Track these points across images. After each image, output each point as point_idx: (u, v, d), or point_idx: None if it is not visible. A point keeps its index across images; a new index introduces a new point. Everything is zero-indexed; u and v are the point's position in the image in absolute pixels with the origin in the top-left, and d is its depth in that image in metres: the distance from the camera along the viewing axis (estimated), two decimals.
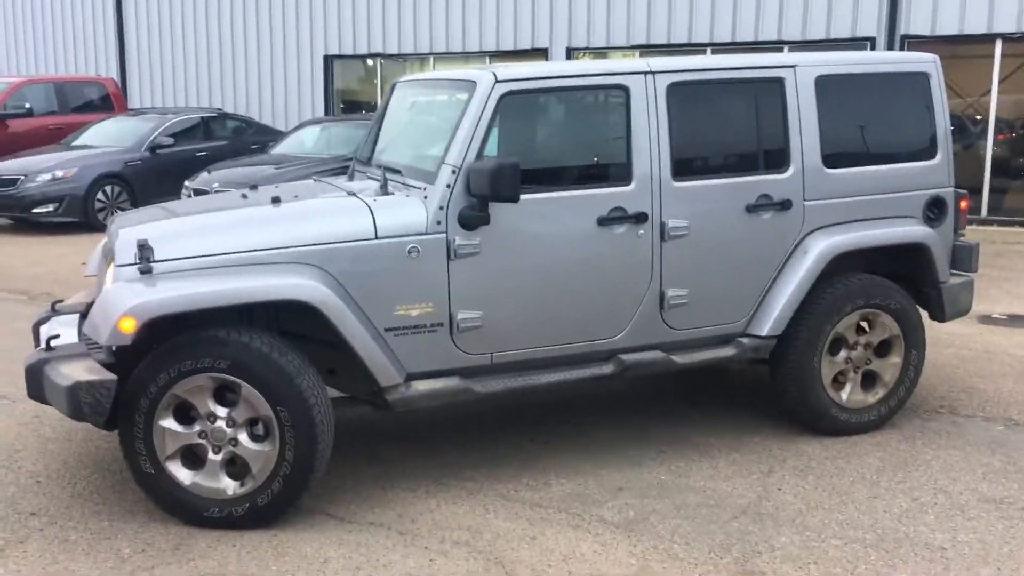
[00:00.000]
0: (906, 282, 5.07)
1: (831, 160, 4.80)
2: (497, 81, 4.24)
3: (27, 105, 15.20)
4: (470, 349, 4.26)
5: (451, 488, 4.37)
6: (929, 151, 5.07)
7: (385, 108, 5.38)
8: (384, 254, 4.09)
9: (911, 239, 4.95)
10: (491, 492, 4.33)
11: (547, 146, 4.72)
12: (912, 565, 3.67)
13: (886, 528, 3.96)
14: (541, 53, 15.10)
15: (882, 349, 4.97)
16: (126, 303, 3.67)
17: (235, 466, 3.96)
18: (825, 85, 4.79)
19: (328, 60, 17.24)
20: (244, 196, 4.79)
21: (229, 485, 3.94)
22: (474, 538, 3.89)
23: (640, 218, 4.44)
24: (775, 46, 13.22)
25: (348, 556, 3.75)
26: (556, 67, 4.58)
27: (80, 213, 12.43)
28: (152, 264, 3.87)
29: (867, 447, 4.80)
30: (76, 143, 13.82)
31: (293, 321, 4.15)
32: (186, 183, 11.47)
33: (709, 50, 13.71)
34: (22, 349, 4.95)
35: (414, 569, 3.65)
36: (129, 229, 4.09)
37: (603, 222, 4.38)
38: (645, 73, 4.47)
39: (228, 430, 3.90)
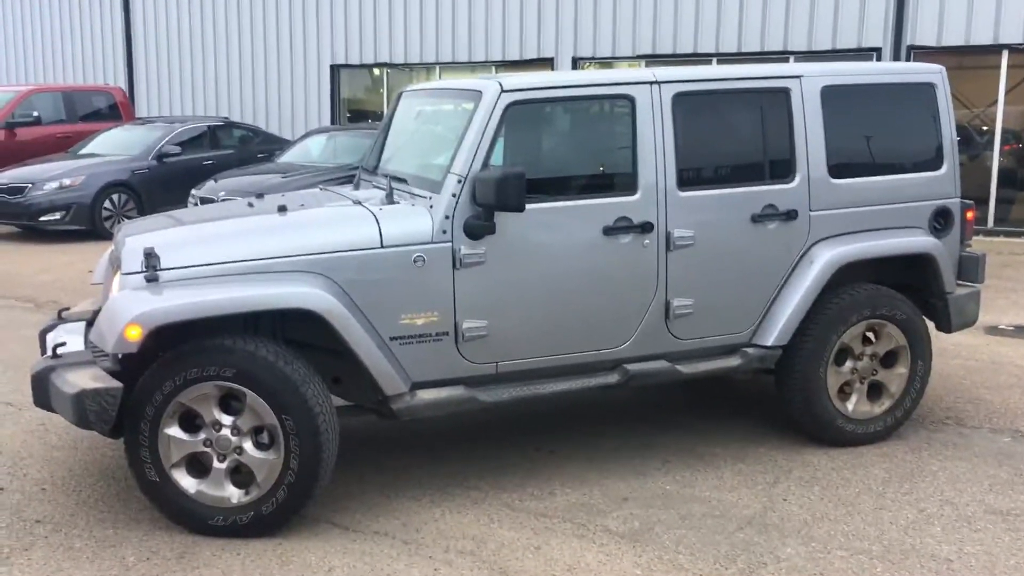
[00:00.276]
0: (912, 293, 5.06)
1: (837, 170, 4.79)
2: (503, 91, 4.25)
3: (35, 113, 15.26)
4: (475, 358, 4.26)
5: (456, 497, 4.36)
6: (935, 162, 5.06)
7: (391, 117, 5.40)
8: (390, 263, 4.09)
9: (917, 249, 4.94)
10: (496, 501, 4.32)
11: (553, 156, 4.73)
12: None
13: (892, 540, 3.94)
14: (547, 63, 15.13)
15: (888, 360, 4.95)
16: (132, 311, 3.68)
17: (240, 474, 3.96)
18: (831, 95, 4.79)
19: (334, 69, 17.30)
20: (250, 205, 4.81)
21: (234, 493, 3.94)
22: (479, 548, 3.89)
23: (645, 228, 4.44)
24: (781, 56, 13.22)
25: (352, 565, 3.75)
26: (562, 77, 4.59)
27: (87, 221, 12.47)
28: (158, 272, 3.88)
29: (873, 458, 4.78)
30: (83, 151, 13.87)
31: (298, 329, 4.15)
32: (193, 191, 11.50)
33: (715, 60, 13.73)
34: (28, 357, 4.97)
35: None
36: (136, 237, 4.10)
37: (608, 232, 4.38)
38: (651, 83, 4.48)
39: (233, 438, 3.90)
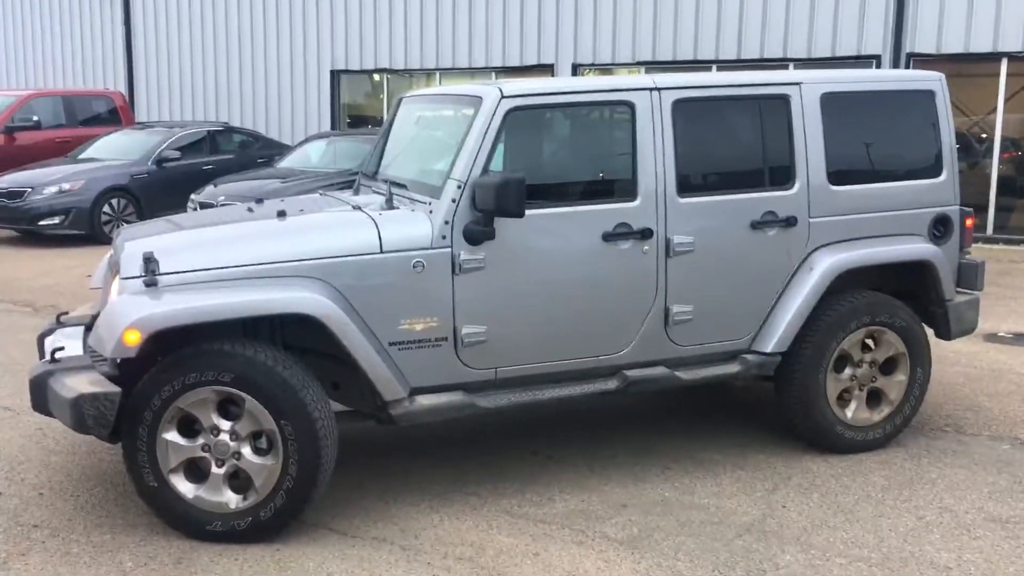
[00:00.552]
0: (911, 300, 5.06)
1: (836, 177, 4.80)
2: (503, 96, 4.25)
3: (35, 118, 15.28)
4: (474, 364, 4.26)
5: (454, 503, 4.36)
6: (935, 169, 5.07)
7: (391, 123, 5.40)
8: (389, 268, 4.09)
9: (917, 257, 4.94)
10: (495, 507, 4.31)
11: (553, 162, 4.73)
12: None
13: (891, 547, 3.94)
14: (547, 69, 15.15)
15: (887, 367, 4.95)
16: (131, 315, 3.67)
17: (238, 480, 3.95)
18: (830, 102, 4.79)
19: (335, 75, 17.32)
20: (250, 210, 4.80)
21: (232, 499, 3.93)
22: (477, 554, 3.88)
23: (645, 234, 4.44)
24: (780, 63, 13.24)
25: (351, 571, 3.74)
26: (562, 83, 4.59)
27: (86, 226, 12.47)
28: (157, 277, 3.88)
29: (872, 465, 4.78)
30: (83, 156, 13.88)
31: (298, 334, 4.15)
32: (192, 196, 11.51)
33: (714, 67, 13.74)
34: (27, 361, 4.96)
35: None
36: (135, 242, 4.10)
37: (608, 238, 4.38)
38: (651, 89, 4.48)
39: (231, 443, 3.90)
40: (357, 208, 4.41)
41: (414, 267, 4.11)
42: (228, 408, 3.90)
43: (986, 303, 6.13)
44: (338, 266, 4.04)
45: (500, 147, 4.28)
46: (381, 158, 5.27)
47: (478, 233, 4.14)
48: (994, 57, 12.24)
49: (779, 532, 4.07)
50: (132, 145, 13.76)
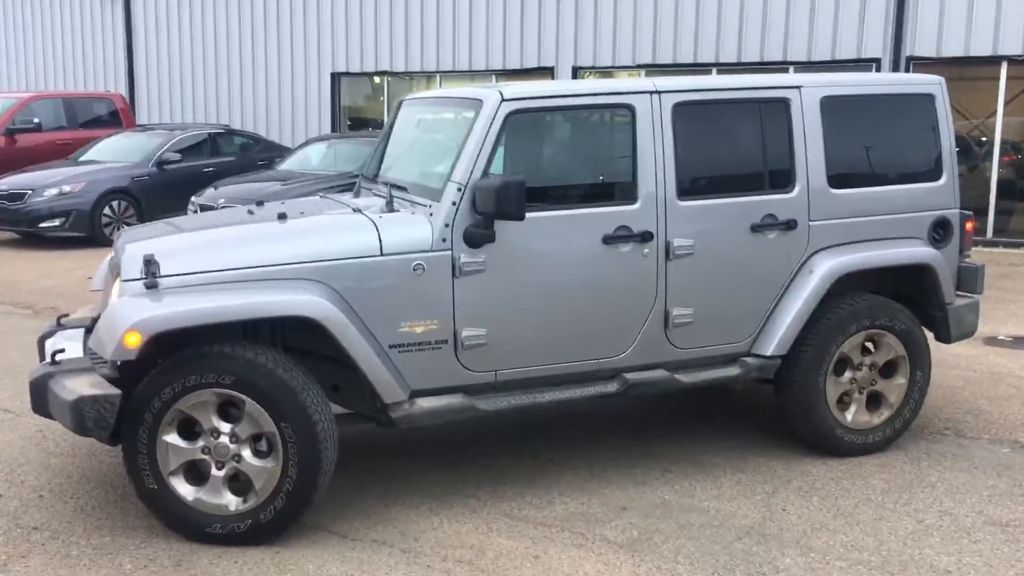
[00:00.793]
0: (911, 303, 5.07)
1: (836, 180, 4.80)
2: (503, 99, 4.26)
3: (36, 120, 15.28)
4: (474, 367, 4.26)
5: (454, 506, 4.36)
6: (935, 172, 5.07)
7: (391, 125, 5.41)
8: (389, 271, 4.10)
9: (917, 260, 4.94)
10: (495, 510, 4.31)
11: (553, 164, 4.74)
12: None
13: (891, 550, 3.94)
14: (547, 72, 15.16)
15: (887, 370, 4.95)
16: (131, 318, 3.68)
17: (238, 482, 3.96)
18: (830, 106, 4.80)
19: (335, 77, 17.33)
20: (250, 212, 4.81)
21: (232, 501, 3.93)
22: (477, 557, 3.88)
23: (645, 237, 4.44)
24: (780, 67, 13.25)
25: (350, 573, 3.74)
26: (562, 86, 4.60)
27: (87, 228, 12.47)
28: (158, 279, 3.88)
29: (872, 468, 4.78)
30: (84, 158, 13.88)
31: (298, 337, 4.15)
32: (192, 199, 11.50)
33: (715, 70, 13.75)
34: (27, 363, 4.96)
35: None
36: (135, 244, 4.11)
37: (608, 241, 4.39)
38: (651, 92, 4.49)
39: (231, 446, 3.90)
40: (357, 211, 4.41)
41: (414, 270, 4.12)
42: (228, 410, 3.91)
43: (986, 306, 6.13)
44: (338, 268, 4.04)
45: (500, 150, 4.28)
46: (381, 161, 5.27)
47: (478, 236, 4.14)
48: (994, 60, 12.25)
49: (779, 535, 4.07)
50: (133, 147, 13.76)
